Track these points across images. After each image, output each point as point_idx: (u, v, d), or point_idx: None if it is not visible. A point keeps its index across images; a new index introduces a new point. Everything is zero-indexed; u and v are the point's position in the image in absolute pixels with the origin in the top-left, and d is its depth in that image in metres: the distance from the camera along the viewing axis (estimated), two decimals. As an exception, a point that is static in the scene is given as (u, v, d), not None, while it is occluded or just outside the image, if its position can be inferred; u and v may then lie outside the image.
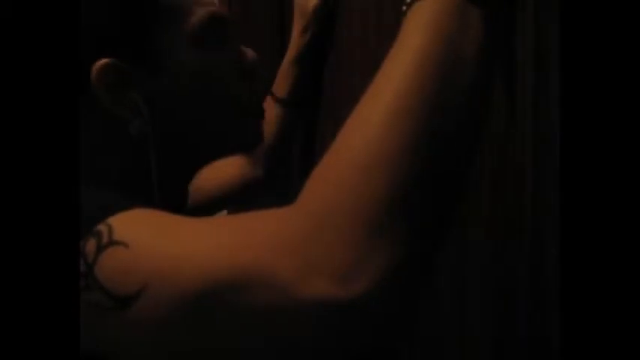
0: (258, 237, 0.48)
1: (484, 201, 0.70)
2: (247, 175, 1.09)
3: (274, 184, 1.10)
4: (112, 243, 0.51)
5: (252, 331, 0.47)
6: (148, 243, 0.51)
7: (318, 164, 0.50)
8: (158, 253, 0.50)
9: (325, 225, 0.47)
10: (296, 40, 1.08)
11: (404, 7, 0.52)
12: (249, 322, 0.47)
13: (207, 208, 1.05)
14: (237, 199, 1.09)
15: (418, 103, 0.48)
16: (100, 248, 0.51)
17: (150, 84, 0.66)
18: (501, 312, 0.68)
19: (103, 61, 0.64)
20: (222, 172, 1.06)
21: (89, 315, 0.50)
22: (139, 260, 0.50)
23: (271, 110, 1.07)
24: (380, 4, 0.93)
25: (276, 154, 1.09)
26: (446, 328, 0.77)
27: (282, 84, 1.09)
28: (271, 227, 0.48)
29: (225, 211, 1.14)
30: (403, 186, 0.47)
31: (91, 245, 0.51)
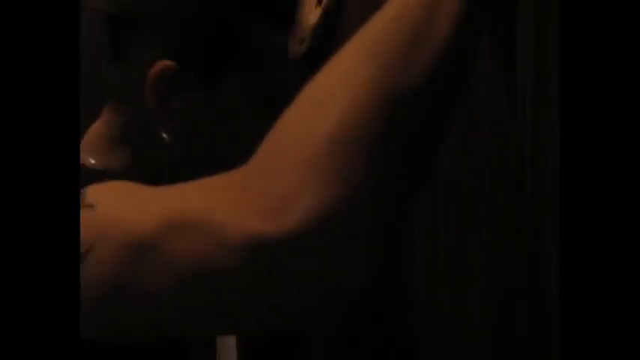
0: (203, 188, 0.51)
1: (484, 201, 0.70)
2: None
3: None
4: (83, 206, 0.54)
5: (190, 273, 0.49)
6: (108, 203, 0.54)
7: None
8: (112, 210, 0.53)
9: (265, 167, 0.48)
10: (291, 49, 1.07)
11: None
12: (187, 265, 0.48)
13: None
14: None
15: (381, 52, 0.49)
16: None
17: (195, 101, 0.70)
18: (501, 312, 0.67)
19: (169, 63, 0.68)
20: None
21: None
22: (95, 218, 0.53)
23: None
24: (380, 5, 0.92)
25: None
26: (445, 328, 0.77)
27: None
28: (218, 180, 0.51)
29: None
30: (345, 128, 0.47)
31: None
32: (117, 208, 0.54)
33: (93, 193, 0.55)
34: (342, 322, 0.90)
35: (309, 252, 0.46)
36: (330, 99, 0.48)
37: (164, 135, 0.70)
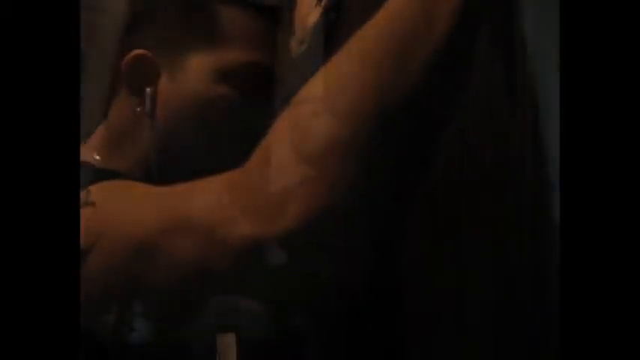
0: (203, 189, 0.51)
1: (484, 201, 0.70)
2: None
3: None
4: (87, 204, 0.55)
5: (189, 273, 0.49)
6: (110, 202, 0.55)
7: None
8: (113, 209, 0.54)
9: (262, 169, 0.48)
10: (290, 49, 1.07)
11: None
12: (186, 265, 0.49)
13: None
14: None
15: (377, 54, 0.49)
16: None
17: (166, 87, 0.70)
18: (501, 312, 0.67)
19: (141, 51, 0.69)
20: None
21: None
22: (97, 216, 0.54)
23: None
24: (380, 4, 0.92)
25: None
26: (445, 328, 0.77)
27: None
28: (216, 181, 0.51)
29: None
30: (341, 131, 0.47)
31: None
32: (118, 207, 0.54)
33: (95, 191, 0.56)
34: (340, 322, 0.90)
35: (304, 253, 0.46)
36: (327, 102, 0.48)
37: (145, 124, 0.70)
